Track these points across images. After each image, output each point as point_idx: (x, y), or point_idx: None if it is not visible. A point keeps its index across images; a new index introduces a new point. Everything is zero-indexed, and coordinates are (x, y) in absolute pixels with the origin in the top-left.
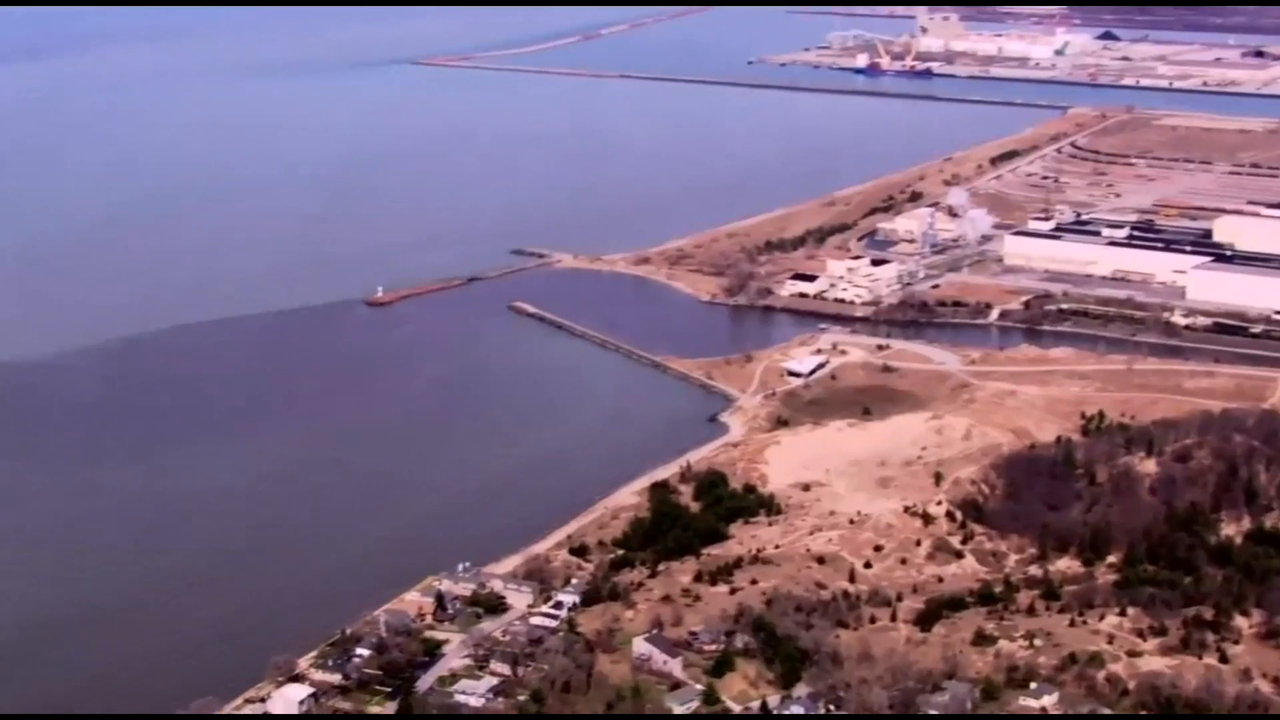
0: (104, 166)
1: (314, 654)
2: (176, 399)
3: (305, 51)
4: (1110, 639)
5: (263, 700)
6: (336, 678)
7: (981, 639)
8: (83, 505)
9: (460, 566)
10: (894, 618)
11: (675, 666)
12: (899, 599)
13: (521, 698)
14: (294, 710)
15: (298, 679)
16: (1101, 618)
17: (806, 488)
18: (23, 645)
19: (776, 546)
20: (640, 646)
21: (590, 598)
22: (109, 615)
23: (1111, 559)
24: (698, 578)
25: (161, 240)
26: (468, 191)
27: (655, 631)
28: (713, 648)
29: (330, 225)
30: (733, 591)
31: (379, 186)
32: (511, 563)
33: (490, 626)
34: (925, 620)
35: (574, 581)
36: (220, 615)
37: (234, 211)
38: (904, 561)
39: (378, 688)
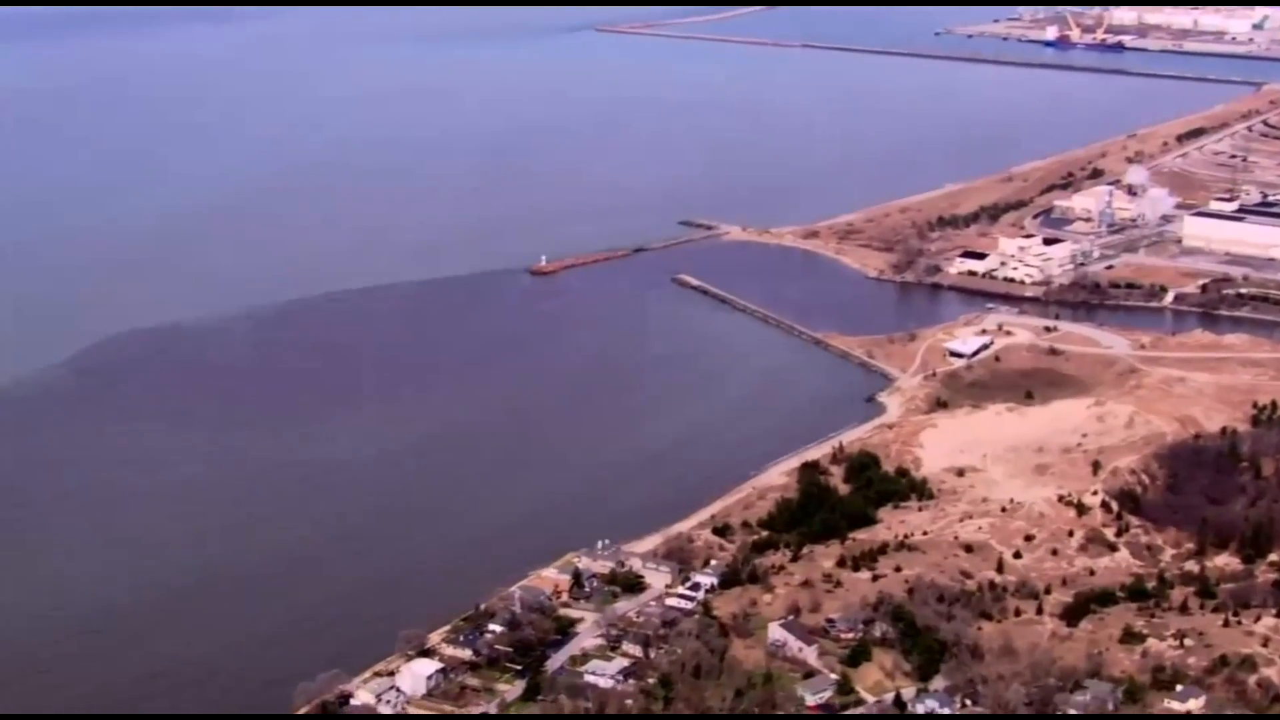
0: (271, 132)
1: (447, 628)
2: (329, 366)
3: (490, 17)
4: (1265, 641)
5: (391, 674)
6: (467, 653)
7: (1130, 636)
8: (225, 471)
9: (600, 544)
10: (1040, 611)
11: (810, 654)
12: (1047, 591)
13: (651, 680)
14: (421, 686)
15: (428, 653)
16: (1258, 619)
17: (961, 473)
18: (156, 610)
19: (925, 533)
20: (775, 632)
21: (728, 580)
22: (241, 584)
23: (1273, 557)
24: (840, 563)
25: (328, 205)
26: (639, 161)
27: (791, 617)
28: (850, 636)
29: (499, 193)
30: (875, 578)
31: (550, 154)
32: (652, 541)
33: (625, 606)
34: (1072, 615)
35: (713, 563)
36: (354, 587)
37: (404, 178)
38: (1055, 553)
39: (508, 665)
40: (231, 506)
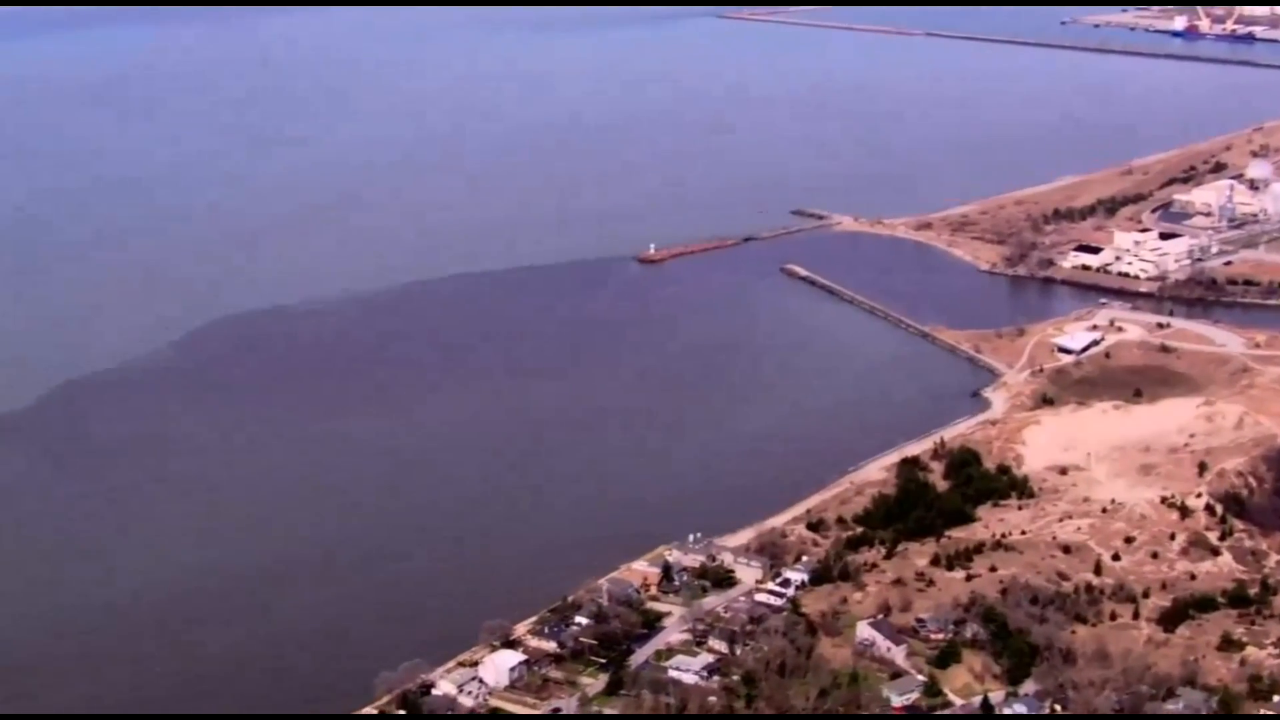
0: (383, 118)
1: (534, 619)
2: (431, 351)
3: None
4: None
5: (474, 664)
6: (551, 645)
7: (1228, 644)
8: (322, 456)
9: (691, 537)
10: (1136, 615)
11: (898, 654)
12: (1145, 595)
13: (735, 677)
14: (504, 677)
15: (513, 645)
16: None
17: (1064, 471)
18: (245, 593)
19: (1023, 532)
20: (864, 631)
21: (819, 577)
22: (331, 569)
23: None
24: (934, 561)
25: (439, 190)
26: (753, 149)
27: (881, 616)
28: (939, 636)
29: (611, 180)
30: (969, 578)
31: (662, 140)
32: (745, 535)
33: (713, 601)
34: (1170, 620)
35: (804, 559)
36: (444, 575)
37: (514, 164)
38: (1155, 555)
39: (592, 658)
40: (327, 491)
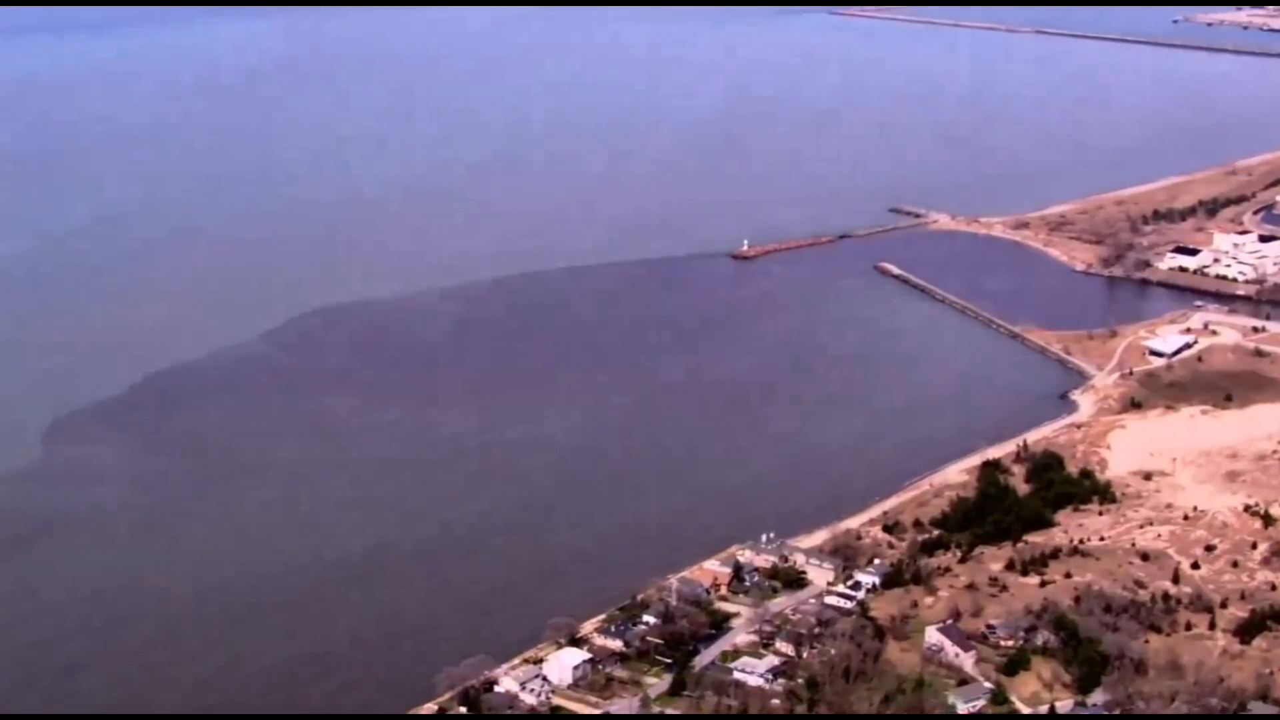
0: (481, 113)
1: (602, 617)
2: (523, 345)
3: None
4: None
5: (539, 662)
6: (617, 644)
7: None
8: (410, 449)
9: (764, 537)
10: (1212, 626)
11: (967, 661)
12: (1223, 605)
13: (799, 681)
14: (567, 676)
15: (578, 643)
16: None
17: (1148, 476)
18: (322, 584)
19: (1102, 538)
20: (932, 636)
21: (891, 580)
22: (407, 562)
23: None
24: (1009, 566)
25: (536, 185)
26: (855, 145)
27: (950, 622)
28: (1009, 643)
29: (711, 176)
30: (1043, 584)
31: (767, 138)
32: (820, 536)
33: (783, 603)
34: (1247, 631)
35: (876, 561)
36: (518, 570)
37: (614, 159)
38: (1235, 565)
39: (658, 658)
40: (410, 486)
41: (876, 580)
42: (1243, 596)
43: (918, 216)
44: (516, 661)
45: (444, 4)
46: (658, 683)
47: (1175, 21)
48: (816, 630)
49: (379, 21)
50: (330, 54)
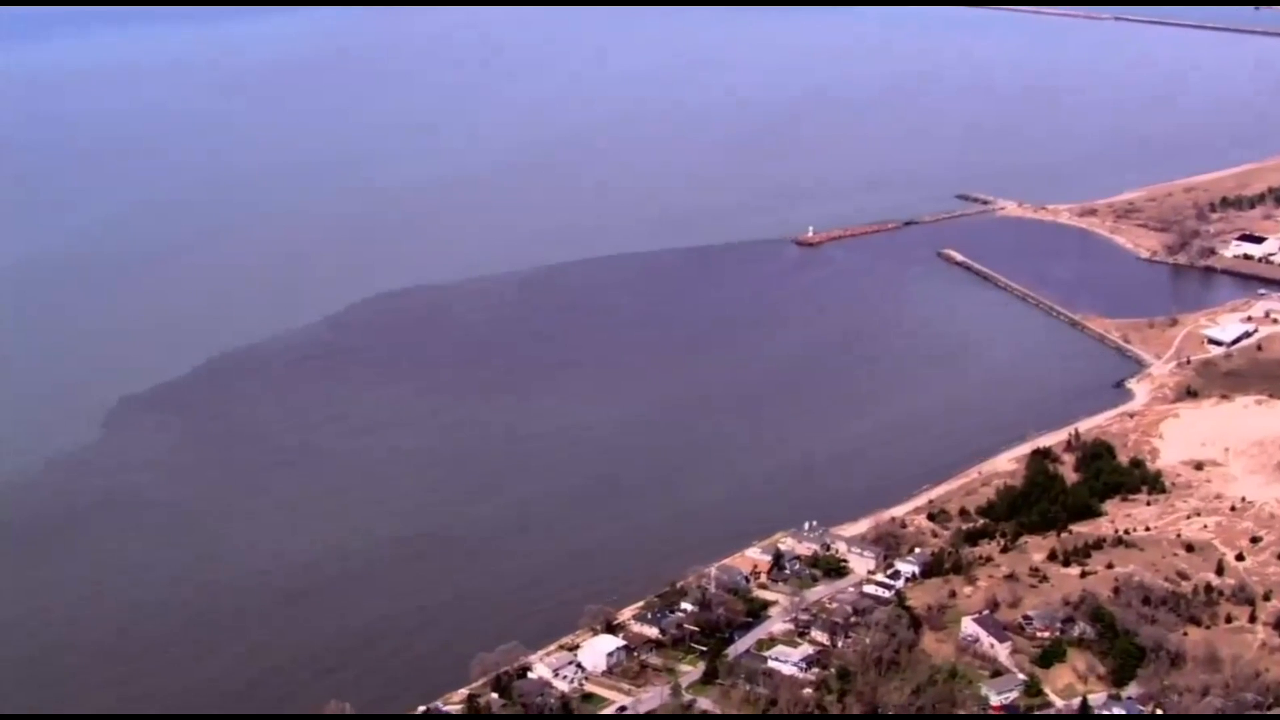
0: (547, 100)
1: (641, 604)
2: (579, 331)
3: None
4: None
5: (574, 649)
6: (653, 631)
7: None
8: (458, 436)
9: (807, 525)
10: (1253, 619)
11: (1002, 652)
12: (1265, 598)
13: (832, 670)
14: (601, 662)
15: (614, 630)
16: None
17: (1199, 466)
18: (364, 569)
19: (1148, 529)
20: (969, 627)
21: (931, 569)
22: (445, 550)
23: None
24: (1051, 556)
25: (606, 170)
26: (926, 132)
27: (986, 612)
28: (1045, 634)
29: (780, 162)
30: (1084, 574)
31: (834, 125)
32: (866, 524)
33: (821, 591)
34: None
35: (917, 551)
36: (562, 558)
37: (684, 146)
38: None
39: (693, 645)
40: (456, 473)
41: (916, 569)
42: None
43: (985, 203)
44: (552, 648)
45: (507, 4)
46: (691, 670)
47: (1256, 7)
48: (853, 620)
49: (443, 18)
50: (399, 48)
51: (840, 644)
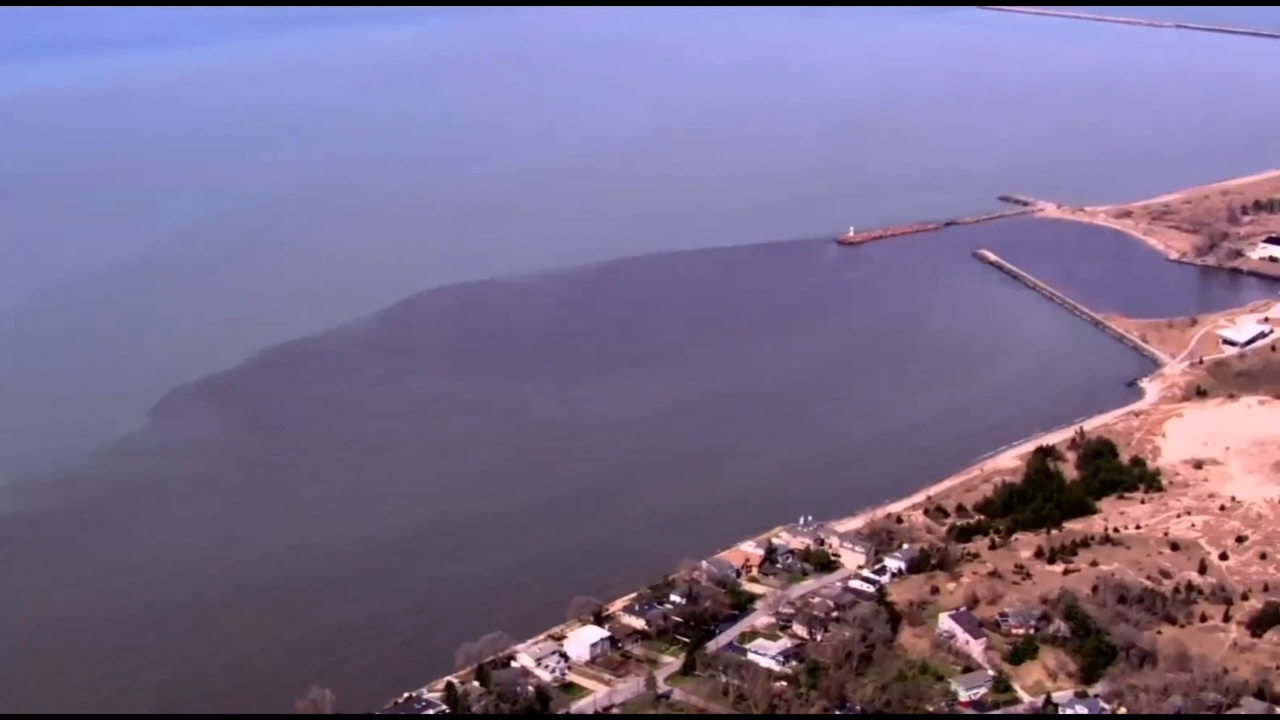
0: (614, 101)
1: (632, 596)
2: (625, 327)
3: None
4: None
5: (560, 639)
6: (640, 623)
7: None
8: (494, 428)
9: (802, 519)
10: (1227, 618)
11: (975, 648)
12: (1244, 597)
13: (805, 664)
14: (585, 652)
15: (602, 621)
16: None
17: (1198, 465)
18: (369, 560)
19: (1138, 527)
20: (945, 623)
21: (916, 565)
22: (464, 536)
23: None
24: (1038, 553)
25: (668, 168)
26: (975, 136)
27: (964, 609)
28: (1020, 632)
29: (834, 162)
30: (1066, 572)
31: (892, 126)
32: (863, 518)
33: (810, 586)
34: (1259, 624)
35: (905, 546)
36: (570, 547)
37: (740, 145)
38: (1263, 556)
39: (677, 637)
40: (486, 463)
41: (903, 565)
42: (1265, 589)
43: (1025, 205)
44: (541, 638)
45: (611, 4)
46: (673, 662)
47: None
48: (834, 614)
49: (549, 20)
50: (512, 49)
51: (819, 638)
